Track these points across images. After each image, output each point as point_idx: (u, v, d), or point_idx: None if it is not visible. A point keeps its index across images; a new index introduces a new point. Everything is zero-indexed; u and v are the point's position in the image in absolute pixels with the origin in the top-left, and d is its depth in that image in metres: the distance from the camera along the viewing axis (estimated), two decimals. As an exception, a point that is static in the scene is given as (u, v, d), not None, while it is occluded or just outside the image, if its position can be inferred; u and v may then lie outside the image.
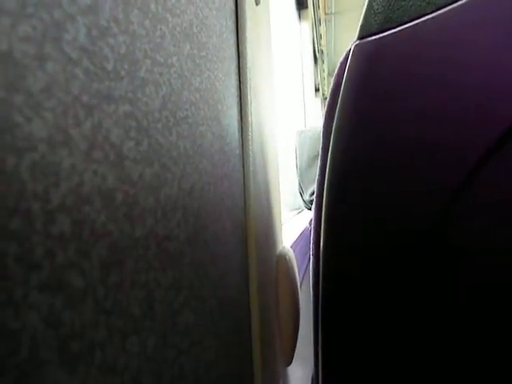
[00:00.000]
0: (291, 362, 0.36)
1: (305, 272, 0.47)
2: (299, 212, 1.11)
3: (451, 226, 0.25)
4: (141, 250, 0.12)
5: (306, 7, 1.90)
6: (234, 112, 0.27)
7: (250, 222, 0.26)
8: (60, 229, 0.09)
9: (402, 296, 0.30)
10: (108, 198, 0.11)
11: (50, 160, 0.08)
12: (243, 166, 0.28)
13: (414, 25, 0.25)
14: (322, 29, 2.43)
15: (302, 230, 0.61)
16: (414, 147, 0.25)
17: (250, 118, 0.30)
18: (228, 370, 0.20)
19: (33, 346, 0.08)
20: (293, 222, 0.79)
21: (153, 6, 0.14)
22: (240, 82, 0.28)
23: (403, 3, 0.26)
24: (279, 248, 0.34)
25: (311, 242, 0.35)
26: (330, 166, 0.32)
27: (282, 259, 0.33)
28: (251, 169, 0.29)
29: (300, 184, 0.75)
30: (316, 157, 0.74)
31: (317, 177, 0.35)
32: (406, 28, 0.26)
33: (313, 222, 0.35)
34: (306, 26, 1.95)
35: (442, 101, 0.24)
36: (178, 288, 0.14)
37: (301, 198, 0.76)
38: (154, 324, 0.12)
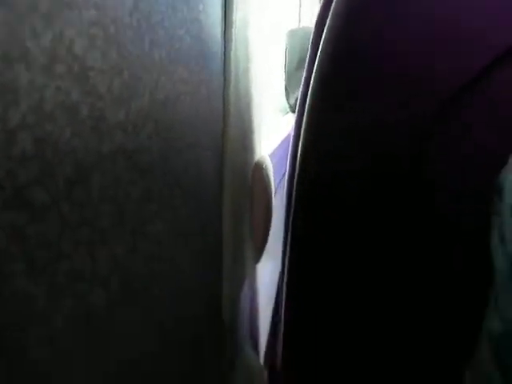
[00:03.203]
0: (259, 260, 0.39)
1: (281, 179, 0.48)
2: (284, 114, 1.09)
3: (426, 159, 0.25)
4: (109, 164, 0.12)
5: None
6: (217, 10, 0.25)
7: (227, 130, 0.26)
8: (21, 148, 0.09)
9: (372, 216, 0.32)
10: (72, 113, 0.10)
11: (6, 77, 0.08)
12: (224, 71, 0.27)
13: None
14: None
15: (284, 136, 0.61)
16: (398, 70, 0.24)
17: (234, 16, 0.28)
18: (198, 270, 0.22)
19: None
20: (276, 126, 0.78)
21: None
22: None
23: None
24: (257, 156, 0.34)
25: (290, 145, 0.35)
26: (318, 64, 0.31)
27: (259, 167, 0.33)
28: (233, 73, 0.28)
29: (286, 87, 0.73)
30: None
31: (304, 75, 0.34)
32: None
33: (293, 125, 0.35)
34: None
35: (427, 28, 0.23)
36: (149, 199, 0.15)
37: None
38: (123, 234, 0.13)
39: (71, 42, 0.10)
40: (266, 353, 0.44)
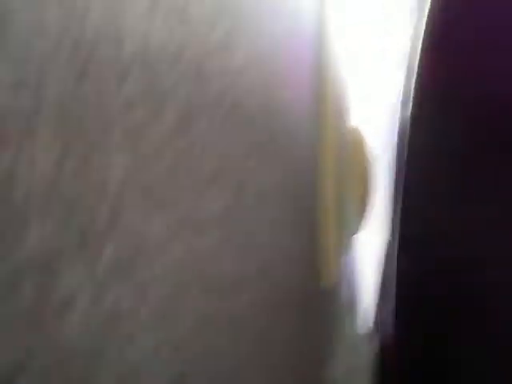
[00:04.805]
0: (360, 230, 0.38)
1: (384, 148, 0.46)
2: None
3: None
4: (212, 111, 0.12)
5: None
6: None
7: (324, 92, 0.25)
8: (132, 87, 0.09)
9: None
10: (176, 57, 0.10)
11: (115, 21, 0.08)
12: (320, 32, 0.26)
13: None
14: None
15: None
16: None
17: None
18: (298, 232, 0.21)
19: (115, 196, 0.09)
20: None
21: None
22: None
23: None
24: (351, 123, 0.33)
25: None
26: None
27: (357, 134, 0.32)
28: (328, 35, 0.27)
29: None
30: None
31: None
32: None
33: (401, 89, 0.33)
34: None
35: None
36: (249, 153, 0.15)
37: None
38: (225, 184, 0.13)
39: None
40: (373, 321, 0.43)
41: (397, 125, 0.33)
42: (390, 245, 0.40)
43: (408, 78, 0.32)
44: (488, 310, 0.34)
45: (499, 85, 0.26)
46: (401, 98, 0.33)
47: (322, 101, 0.24)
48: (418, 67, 0.30)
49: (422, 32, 0.29)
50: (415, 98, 0.31)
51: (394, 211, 0.36)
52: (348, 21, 0.34)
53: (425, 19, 0.28)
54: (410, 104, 0.31)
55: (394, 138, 0.35)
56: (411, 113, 0.30)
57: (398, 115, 0.33)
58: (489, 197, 0.29)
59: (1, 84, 0.06)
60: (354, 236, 0.38)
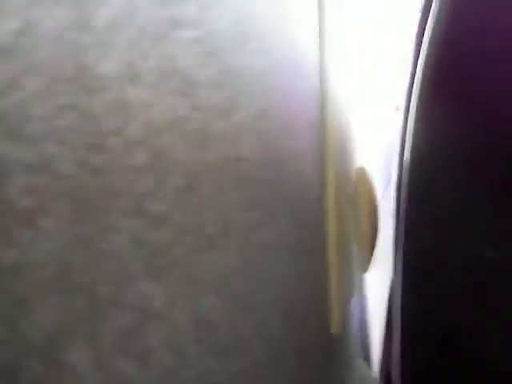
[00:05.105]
0: (368, 269, 0.37)
1: (387, 184, 0.46)
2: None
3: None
4: (214, 173, 0.13)
5: None
6: (312, 20, 0.25)
7: (327, 138, 0.25)
8: (137, 161, 0.09)
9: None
10: (180, 128, 0.11)
11: (121, 97, 0.09)
12: (320, 75, 0.27)
13: None
14: None
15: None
16: None
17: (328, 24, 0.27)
18: (302, 281, 0.21)
19: (121, 263, 0.09)
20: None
21: None
22: None
23: None
24: (356, 162, 0.33)
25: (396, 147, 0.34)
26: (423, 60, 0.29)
27: (362, 174, 0.32)
28: (329, 77, 0.28)
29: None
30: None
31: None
32: None
33: (398, 128, 0.34)
34: None
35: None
36: (253, 208, 0.15)
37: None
38: (229, 242, 0.13)
39: (175, 60, 0.11)
40: (380, 365, 0.42)
41: (397, 164, 0.34)
42: (393, 284, 0.39)
43: (406, 115, 0.32)
44: (494, 354, 0.33)
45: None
46: (399, 137, 0.33)
47: (326, 149, 0.25)
48: (417, 108, 0.31)
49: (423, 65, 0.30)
50: (414, 135, 0.31)
51: (397, 249, 0.36)
52: (348, 21, 0.34)
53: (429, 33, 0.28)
54: (410, 143, 0.31)
55: (394, 175, 0.35)
56: (410, 155, 0.30)
57: (397, 152, 0.34)
58: (491, 238, 0.29)
59: (19, 164, 0.07)
60: (363, 276, 0.37)
